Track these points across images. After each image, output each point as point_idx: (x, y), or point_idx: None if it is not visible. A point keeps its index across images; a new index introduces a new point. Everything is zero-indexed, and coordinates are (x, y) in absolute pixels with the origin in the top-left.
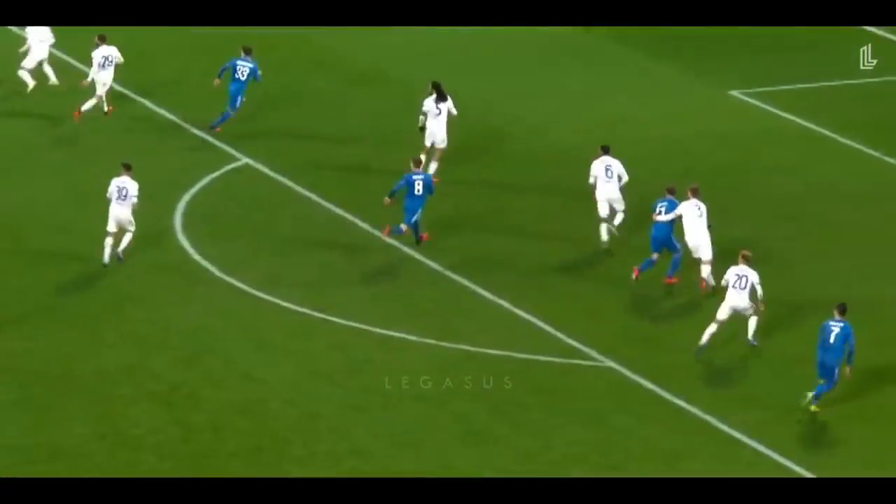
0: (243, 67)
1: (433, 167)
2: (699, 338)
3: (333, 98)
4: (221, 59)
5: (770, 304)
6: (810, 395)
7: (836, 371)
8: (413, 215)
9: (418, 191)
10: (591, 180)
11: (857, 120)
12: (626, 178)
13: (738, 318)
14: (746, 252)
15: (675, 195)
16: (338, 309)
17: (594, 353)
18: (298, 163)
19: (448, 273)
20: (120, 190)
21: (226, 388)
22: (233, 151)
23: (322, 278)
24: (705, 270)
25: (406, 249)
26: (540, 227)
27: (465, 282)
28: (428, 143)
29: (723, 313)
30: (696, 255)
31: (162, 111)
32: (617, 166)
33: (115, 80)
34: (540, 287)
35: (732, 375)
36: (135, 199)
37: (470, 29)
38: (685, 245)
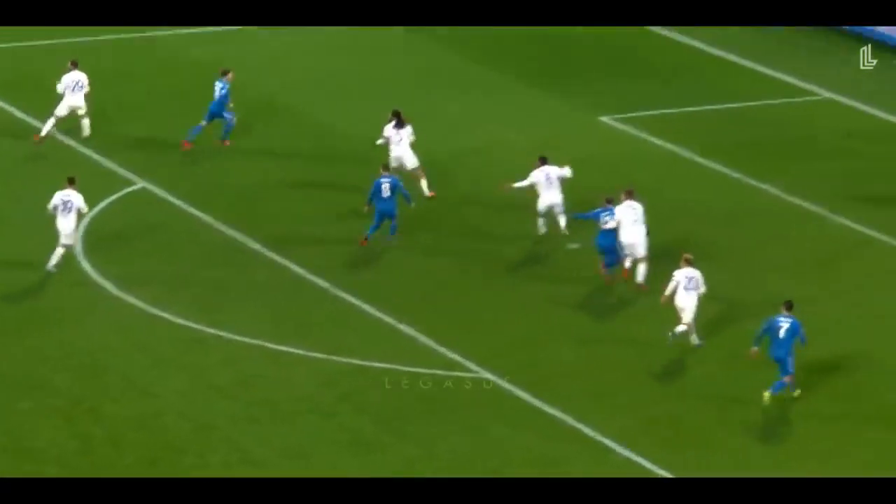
0: (219, 88)
1: (424, 184)
2: (573, 349)
3: (224, 121)
4: (112, 84)
5: (642, 319)
6: (767, 393)
7: (788, 361)
8: (382, 218)
9: (386, 193)
10: (525, 184)
11: (718, 143)
12: (568, 174)
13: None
14: (688, 255)
15: (614, 203)
16: (231, 325)
17: (473, 365)
18: (193, 185)
19: (336, 291)
20: (65, 203)
21: (124, 403)
22: (130, 175)
23: (216, 296)
24: (641, 270)
25: (296, 269)
26: (421, 246)
27: (353, 299)
28: (395, 165)
29: (683, 315)
30: (629, 253)
31: (60, 137)
32: (556, 171)
33: (15, 105)
34: (423, 303)
35: (603, 384)
36: (81, 208)
37: (346, 55)
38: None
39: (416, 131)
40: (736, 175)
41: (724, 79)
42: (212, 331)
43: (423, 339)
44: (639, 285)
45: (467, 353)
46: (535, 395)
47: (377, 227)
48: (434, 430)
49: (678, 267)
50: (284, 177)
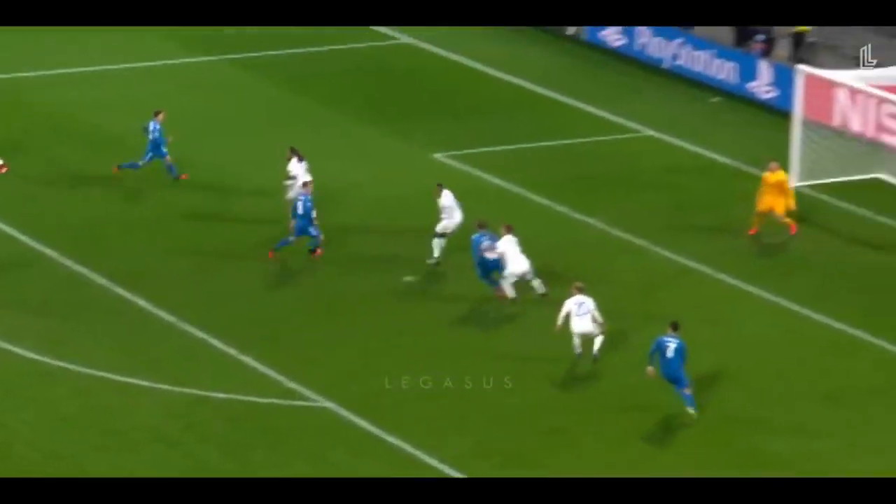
0: (152, 128)
1: None
2: (410, 376)
3: (70, 158)
4: None
5: (476, 347)
6: (690, 410)
7: (682, 374)
8: (301, 232)
9: (300, 210)
10: (444, 215)
11: (545, 179)
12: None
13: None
14: (579, 284)
15: (487, 227)
16: (79, 358)
17: (312, 395)
18: (40, 222)
19: (182, 324)
20: None
21: None
22: None
23: (64, 330)
24: (538, 284)
25: (142, 303)
26: (262, 279)
27: (198, 332)
28: (294, 195)
29: (576, 339)
30: (521, 280)
31: None
32: (450, 200)
33: None
34: (264, 336)
35: (437, 412)
36: None
37: (186, 94)
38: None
39: (258, 168)
40: (562, 209)
41: (551, 117)
42: (60, 363)
43: (264, 369)
44: (543, 295)
45: (307, 382)
46: (374, 423)
47: (314, 241)
48: (277, 457)
49: (569, 295)
50: (129, 212)
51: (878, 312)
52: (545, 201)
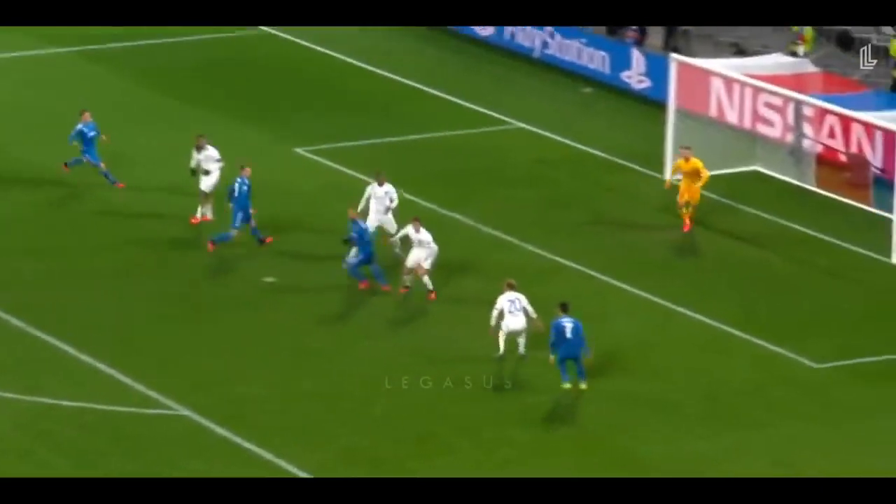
0: (87, 130)
1: (200, 211)
2: (271, 383)
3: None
4: None
5: (336, 352)
6: (568, 385)
7: (580, 354)
8: (237, 219)
9: (237, 193)
10: (362, 205)
11: (411, 174)
12: (396, 202)
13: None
14: (511, 281)
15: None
16: None
17: (170, 402)
18: None
19: (30, 329)
20: None
21: None
22: None
23: None
24: (407, 278)
25: None
26: (117, 282)
27: (47, 337)
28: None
29: (502, 338)
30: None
31: None
32: (391, 191)
33: None
34: (119, 341)
35: (301, 418)
36: None
37: (37, 89)
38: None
39: (109, 164)
40: (430, 205)
41: (419, 110)
42: None
43: (119, 376)
44: (406, 288)
45: (164, 389)
46: (232, 431)
47: (223, 235)
48: (132, 467)
49: (501, 292)
50: None
51: (754, 309)
52: (413, 197)
